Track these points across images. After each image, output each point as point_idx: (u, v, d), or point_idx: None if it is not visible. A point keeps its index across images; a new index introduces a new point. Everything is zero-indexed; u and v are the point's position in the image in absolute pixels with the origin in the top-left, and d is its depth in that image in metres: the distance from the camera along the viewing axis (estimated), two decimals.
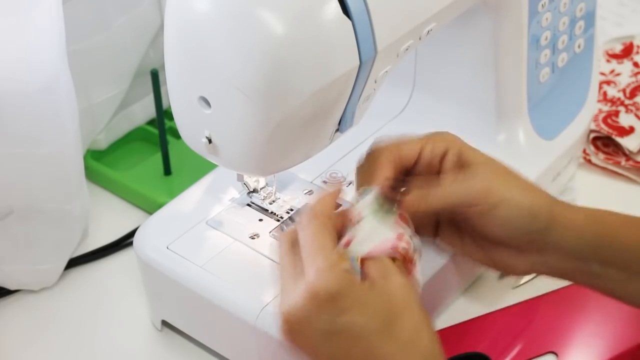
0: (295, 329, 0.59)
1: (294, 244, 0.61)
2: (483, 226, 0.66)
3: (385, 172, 0.66)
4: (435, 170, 0.67)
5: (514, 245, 0.66)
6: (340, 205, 0.72)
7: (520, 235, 0.66)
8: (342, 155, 0.83)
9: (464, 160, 0.66)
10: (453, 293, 0.81)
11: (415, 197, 0.66)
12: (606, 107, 1.02)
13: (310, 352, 0.59)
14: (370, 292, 0.58)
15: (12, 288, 0.84)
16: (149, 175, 0.94)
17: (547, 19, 0.81)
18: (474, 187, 0.65)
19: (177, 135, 0.93)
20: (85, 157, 0.94)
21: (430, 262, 0.74)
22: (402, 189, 0.67)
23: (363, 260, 0.60)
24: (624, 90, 1.05)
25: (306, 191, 0.79)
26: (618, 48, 1.12)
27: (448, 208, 0.66)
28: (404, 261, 0.62)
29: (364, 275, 0.60)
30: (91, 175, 0.95)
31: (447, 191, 0.65)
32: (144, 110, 1.00)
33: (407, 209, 0.65)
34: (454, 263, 0.76)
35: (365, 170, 0.67)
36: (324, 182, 0.80)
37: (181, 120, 0.67)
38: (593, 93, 0.92)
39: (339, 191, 0.64)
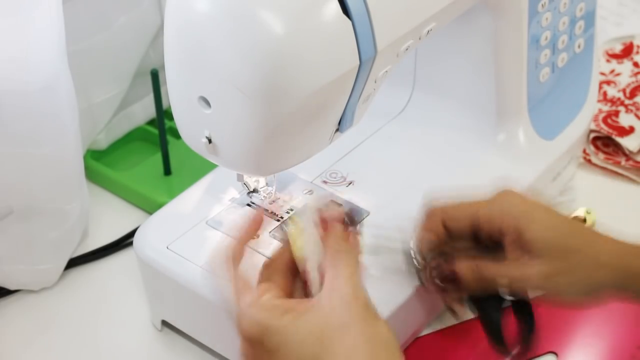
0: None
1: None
2: None
3: (434, 237, 0.68)
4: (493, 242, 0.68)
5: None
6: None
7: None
8: (342, 155, 0.83)
9: (524, 243, 0.66)
10: None
11: (471, 275, 0.67)
12: (606, 107, 1.02)
13: None
14: (295, 325, 0.56)
15: (12, 288, 0.84)
16: (149, 175, 0.94)
17: (547, 19, 0.81)
18: (533, 276, 0.65)
19: (177, 135, 0.93)
20: (85, 157, 0.94)
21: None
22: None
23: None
24: (624, 90, 1.05)
25: (306, 191, 0.79)
26: (618, 48, 1.12)
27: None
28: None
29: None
30: (91, 175, 0.95)
31: (504, 278, 0.66)
32: (144, 110, 1.00)
33: (464, 282, 0.67)
34: None
35: (420, 231, 0.69)
36: (324, 182, 0.80)
37: (181, 120, 0.67)
38: (593, 93, 0.92)
39: (255, 225, 0.64)
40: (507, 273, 0.67)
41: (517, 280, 0.66)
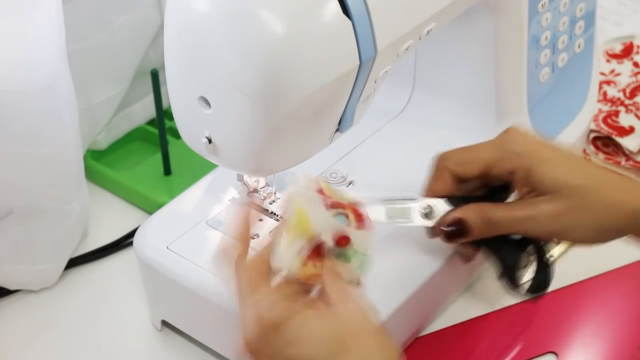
0: (254, 356, 0.58)
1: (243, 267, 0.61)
2: None
3: (443, 185, 0.68)
4: (502, 182, 0.67)
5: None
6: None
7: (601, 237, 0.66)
8: (342, 155, 0.83)
9: (533, 184, 0.65)
10: (453, 293, 0.81)
11: (479, 220, 0.66)
12: (606, 107, 1.02)
13: None
14: (316, 320, 0.57)
15: (12, 288, 0.84)
16: (149, 175, 0.94)
17: (547, 19, 0.81)
18: (541, 216, 0.64)
19: (177, 135, 0.93)
20: (85, 157, 0.94)
21: (429, 262, 0.74)
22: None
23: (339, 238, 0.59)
24: (624, 90, 1.05)
25: None
26: (618, 48, 1.12)
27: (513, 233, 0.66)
28: (355, 214, 0.61)
29: (322, 294, 0.59)
30: (91, 175, 0.95)
31: (512, 220, 0.66)
32: (144, 110, 1.00)
33: (472, 231, 0.67)
34: (454, 262, 0.76)
35: (430, 181, 0.69)
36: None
37: (181, 120, 0.67)
38: (593, 93, 0.92)
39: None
40: (514, 214, 0.65)
41: (525, 221, 0.65)
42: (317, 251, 0.60)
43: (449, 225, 0.68)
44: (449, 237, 0.69)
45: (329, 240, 0.59)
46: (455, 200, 0.69)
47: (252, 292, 0.59)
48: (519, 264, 0.68)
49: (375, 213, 0.69)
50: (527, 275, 0.70)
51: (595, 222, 0.64)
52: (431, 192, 0.70)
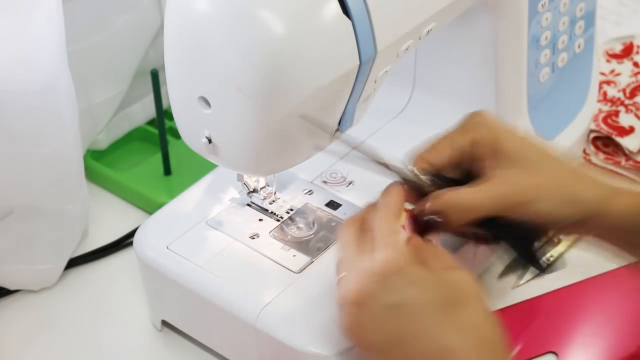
0: (358, 308, 0.58)
1: (361, 228, 0.62)
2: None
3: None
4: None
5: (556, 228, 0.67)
6: None
7: (562, 223, 0.66)
8: (342, 155, 0.83)
9: (502, 153, 0.65)
10: None
11: (451, 211, 0.65)
12: (606, 107, 1.02)
13: (369, 338, 0.59)
14: (435, 276, 0.58)
15: (12, 288, 0.84)
16: (149, 175, 0.94)
17: (547, 19, 0.81)
18: (507, 196, 0.64)
19: (177, 135, 0.93)
20: (85, 157, 0.94)
21: None
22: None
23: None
24: (624, 90, 1.05)
25: (306, 191, 0.79)
26: (618, 48, 1.12)
27: (482, 216, 0.66)
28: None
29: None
30: (91, 175, 0.94)
31: (478, 203, 0.65)
32: (144, 110, 1.00)
33: (451, 220, 0.66)
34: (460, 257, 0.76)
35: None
36: (324, 182, 0.80)
37: (181, 120, 0.67)
38: (593, 93, 0.92)
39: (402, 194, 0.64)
40: (480, 195, 0.65)
41: (490, 198, 0.65)
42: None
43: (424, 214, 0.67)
44: (428, 228, 0.68)
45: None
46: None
47: (357, 246, 0.61)
48: (534, 246, 0.68)
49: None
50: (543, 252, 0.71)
51: (559, 192, 0.64)
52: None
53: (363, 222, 0.63)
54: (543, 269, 0.71)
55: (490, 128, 0.67)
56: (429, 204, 0.65)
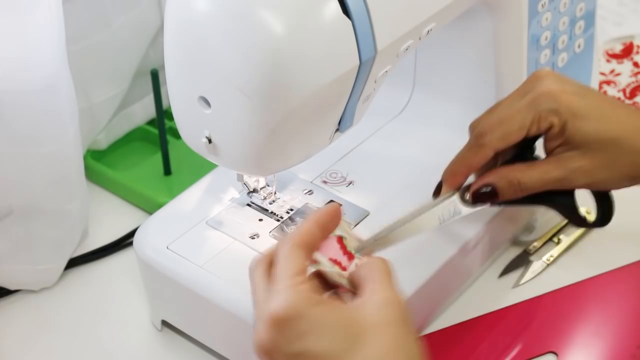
0: (269, 358, 0.57)
1: (270, 265, 0.60)
2: None
3: (482, 159, 0.68)
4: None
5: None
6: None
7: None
8: (342, 155, 0.83)
9: (566, 138, 0.66)
10: (456, 288, 0.81)
11: (508, 185, 0.67)
12: None
13: None
14: (333, 313, 0.55)
15: (12, 288, 0.84)
16: (149, 175, 0.94)
17: (547, 18, 0.81)
18: (572, 177, 0.66)
19: (177, 135, 0.93)
20: (85, 157, 0.94)
21: (433, 257, 0.74)
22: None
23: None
24: (624, 90, 1.05)
25: (306, 191, 0.79)
26: (618, 48, 1.12)
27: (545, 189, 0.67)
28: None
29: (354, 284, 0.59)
30: (91, 175, 0.95)
31: (544, 181, 0.66)
32: (144, 110, 1.00)
33: (503, 196, 0.67)
34: (458, 257, 0.76)
35: (466, 155, 0.69)
36: (324, 182, 0.80)
37: (181, 120, 0.67)
38: None
39: (332, 214, 0.61)
40: (546, 176, 0.66)
41: (557, 181, 0.66)
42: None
43: (477, 190, 0.69)
44: (478, 199, 0.69)
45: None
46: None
47: (264, 290, 0.58)
48: (576, 206, 0.70)
49: (427, 222, 0.69)
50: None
51: (624, 172, 0.66)
52: (467, 166, 0.70)
53: (272, 257, 0.60)
54: (584, 223, 0.71)
55: (560, 109, 0.66)
56: (484, 179, 0.68)
